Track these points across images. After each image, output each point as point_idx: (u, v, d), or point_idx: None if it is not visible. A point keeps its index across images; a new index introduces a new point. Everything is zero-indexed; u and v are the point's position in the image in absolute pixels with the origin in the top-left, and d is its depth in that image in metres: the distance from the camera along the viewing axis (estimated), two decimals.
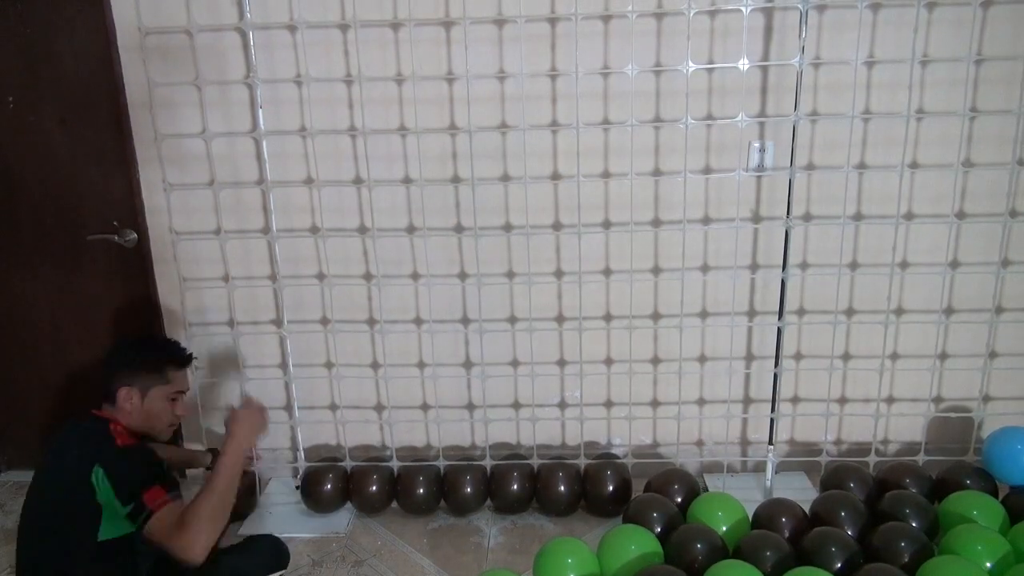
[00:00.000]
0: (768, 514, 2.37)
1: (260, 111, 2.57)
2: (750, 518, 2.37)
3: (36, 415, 3.09)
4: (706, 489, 2.79)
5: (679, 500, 2.47)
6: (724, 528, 2.30)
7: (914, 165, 2.62)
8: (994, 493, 2.46)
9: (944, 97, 2.55)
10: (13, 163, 2.81)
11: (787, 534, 2.29)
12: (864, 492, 2.50)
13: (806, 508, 2.40)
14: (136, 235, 2.82)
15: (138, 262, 2.86)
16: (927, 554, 2.12)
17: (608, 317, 2.80)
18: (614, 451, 2.89)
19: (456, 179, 2.68)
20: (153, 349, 2.10)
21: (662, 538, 2.24)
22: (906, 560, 2.11)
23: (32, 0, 2.64)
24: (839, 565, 2.10)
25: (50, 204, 2.84)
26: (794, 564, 2.10)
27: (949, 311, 2.75)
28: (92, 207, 2.83)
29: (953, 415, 2.82)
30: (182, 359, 2.10)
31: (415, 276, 2.78)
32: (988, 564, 2.07)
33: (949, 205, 2.57)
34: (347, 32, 2.56)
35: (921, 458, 2.73)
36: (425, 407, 2.94)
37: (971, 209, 2.65)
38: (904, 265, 2.71)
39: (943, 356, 2.79)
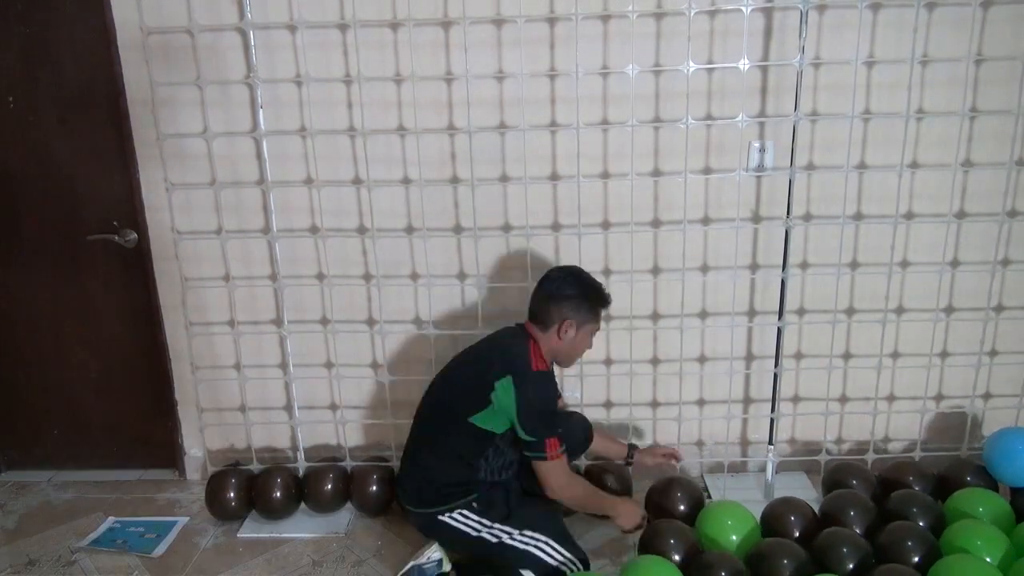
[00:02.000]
0: (777, 514, 2.38)
1: (260, 111, 2.57)
2: (758, 521, 2.36)
3: (36, 415, 3.10)
4: (707, 490, 2.79)
5: (682, 508, 2.45)
6: (734, 538, 2.27)
7: (914, 165, 2.62)
8: (995, 491, 2.46)
9: (944, 97, 2.55)
10: (13, 163, 2.81)
11: (797, 534, 2.29)
12: (868, 491, 2.50)
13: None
14: (136, 235, 2.82)
15: (138, 262, 2.86)
16: (935, 553, 2.12)
17: (607, 318, 2.80)
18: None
19: (455, 180, 2.68)
20: (596, 291, 2.27)
21: (683, 566, 2.16)
22: (915, 560, 2.11)
23: (32, 0, 2.64)
24: (851, 566, 2.10)
25: (50, 204, 2.84)
26: (811, 570, 2.10)
27: (949, 309, 2.75)
28: (92, 207, 2.83)
29: (951, 411, 2.83)
30: (608, 302, 2.32)
31: (415, 276, 2.78)
32: (988, 559, 2.08)
33: (948, 204, 2.57)
34: (347, 32, 2.56)
35: (917, 454, 2.73)
36: None
37: (970, 208, 2.66)
38: (904, 264, 2.71)
39: (943, 354, 2.80)
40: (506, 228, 2.72)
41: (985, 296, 2.65)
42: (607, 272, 2.74)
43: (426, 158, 2.65)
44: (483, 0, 2.51)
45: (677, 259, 2.65)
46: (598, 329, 2.34)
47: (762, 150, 2.62)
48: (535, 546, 2.15)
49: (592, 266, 2.72)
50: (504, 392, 2.09)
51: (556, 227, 2.71)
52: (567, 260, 2.72)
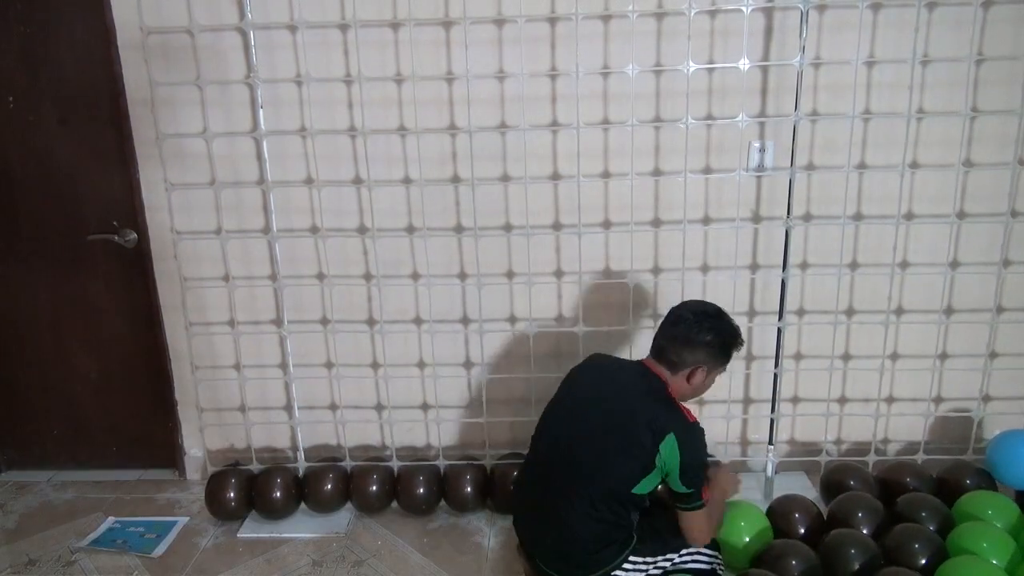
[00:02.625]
0: (782, 511, 2.40)
1: (260, 111, 2.57)
2: (769, 523, 2.37)
3: (36, 415, 3.09)
4: None
5: None
6: (747, 538, 2.28)
7: (914, 165, 2.62)
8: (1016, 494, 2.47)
9: (945, 97, 2.55)
10: (13, 163, 2.81)
11: (802, 531, 2.32)
12: (867, 492, 2.50)
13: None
14: (136, 235, 2.82)
15: (138, 262, 2.86)
16: (942, 555, 2.12)
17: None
18: None
19: (456, 179, 2.68)
20: (734, 336, 2.06)
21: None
22: (922, 562, 2.12)
23: (32, 0, 2.64)
24: (858, 567, 2.11)
25: (50, 204, 2.84)
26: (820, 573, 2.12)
27: (949, 311, 2.75)
28: (92, 207, 2.83)
29: (953, 414, 2.82)
30: (743, 346, 2.13)
31: (415, 276, 2.78)
32: (994, 562, 2.08)
33: (950, 205, 2.57)
34: (347, 32, 2.56)
35: (920, 457, 2.73)
36: (425, 407, 2.94)
37: (971, 209, 2.65)
38: (904, 265, 2.71)
39: (943, 356, 2.79)
40: (507, 228, 2.72)
41: (985, 297, 2.64)
42: (608, 272, 2.74)
43: (426, 157, 2.65)
44: None
45: (677, 259, 2.65)
46: (724, 371, 2.14)
47: (762, 150, 2.61)
48: (693, 559, 2.08)
49: (593, 265, 2.72)
50: (670, 453, 1.90)
51: (557, 226, 2.70)
52: (568, 259, 2.72)
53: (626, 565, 1.97)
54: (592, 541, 1.96)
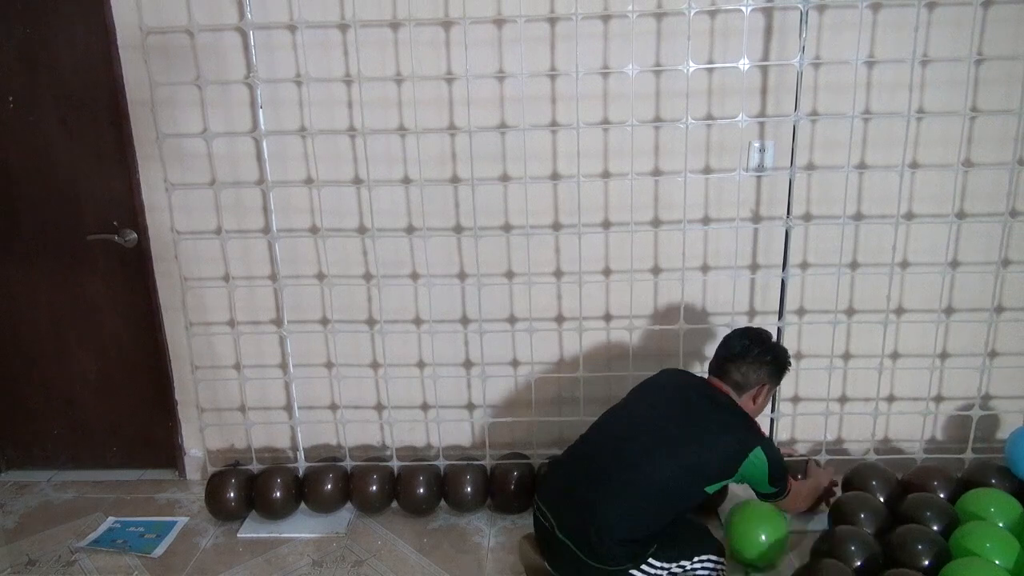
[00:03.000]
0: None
1: (260, 111, 2.57)
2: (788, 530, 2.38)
3: (36, 415, 3.09)
4: None
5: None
6: (763, 538, 2.32)
7: (914, 165, 2.62)
8: (1020, 491, 2.43)
9: (944, 97, 2.55)
10: (13, 163, 2.81)
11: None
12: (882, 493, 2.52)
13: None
14: (136, 235, 2.82)
15: (138, 262, 2.86)
16: (945, 556, 2.12)
17: (608, 317, 2.80)
18: None
19: (456, 179, 2.68)
20: (787, 356, 2.29)
21: None
22: (926, 563, 2.12)
23: (32, 0, 2.64)
24: (859, 563, 2.14)
25: (50, 204, 2.84)
26: None
27: (949, 310, 2.75)
28: (92, 207, 2.83)
29: (954, 413, 2.82)
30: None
31: (415, 276, 2.78)
32: (997, 562, 2.08)
33: (949, 205, 2.57)
34: (347, 32, 2.56)
35: (920, 456, 2.73)
36: (425, 407, 2.94)
37: (971, 209, 2.65)
38: (904, 265, 2.71)
39: (943, 355, 2.80)
40: (506, 228, 2.72)
41: (985, 297, 2.64)
42: (607, 272, 2.74)
43: (426, 158, 2.65)
44: None
45: (677, 259, 2.65)
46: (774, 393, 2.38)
47: (762, 150, 2.61)
48: (702, 565, 2.11)
49: (592, 265, 2.72)
50: (757, 464, 2.09)
51: (556, 227, 2.70)
52: (568, 260, 2.73)
53: (644, 567, 2.02)
54: (619, 537, 2.00)
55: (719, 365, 2.24)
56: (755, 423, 2.18)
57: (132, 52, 2.62)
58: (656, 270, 2.75)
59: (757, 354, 2.21)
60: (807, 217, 2.69)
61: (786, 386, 2.84)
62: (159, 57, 2.59)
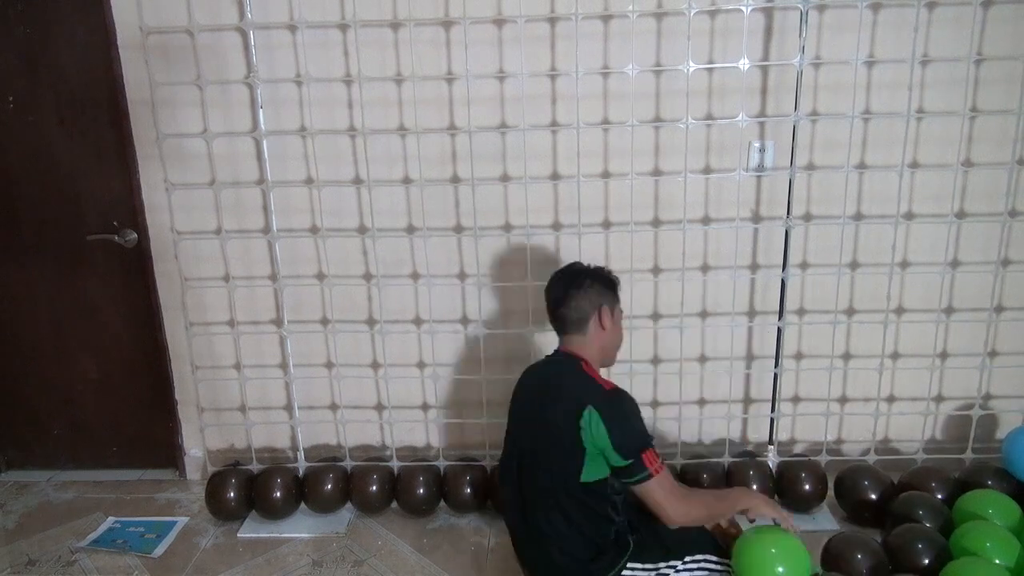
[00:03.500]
0: None
1: (260, 111, 2.57)
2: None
3: (36, 415, 3.09)
4: None
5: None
6: (781, 570, 1.86)
7: (914, 165, 2.62)
8: (1018, 492, 2.43)
9: (944, 97, 2.55)
10: (13, 163, 2.81)
11: None
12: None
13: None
14: (136, 235, 2.82)
15: (138, 262, 2.86)
16: (945, 556, 2.12)
17: None
18: None
19: (456, 179, 2.68)
20: (602, 271, 2.07)
21: None
22: (926, 562, 2.11)
23: (32, 0, 2.64)
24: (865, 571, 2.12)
25: (50, 204, 2.84)
26: None
27: (949, 310, 2.75)
28: (92, 207, 2.83)
29: (954, 413, 2.83)
30: (617, 279, 2.11)
31: (415, 276, 2.78)
32: (997, 561, 2.07)
33: (949, 204, 2.57)
34: (347, 32, 2.56)
35: (920, 456, 2.73)
36: (425, 407, 2.94)
37: (971, 208, 2.65)
38: (904, 264, 2.71)
39: (943, 355, 2.80)
40: (507, 227, 2.72)
41: (985, 296, 2.65)
42: None
43: (426, 157, 2.65)
44: None
45: (677, 259, 2.65)
46: (623, 313, 2.12)
47: (762, 150, 2.62)
48: (699, 566, 1.98)
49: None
50: (595, 426, 1.81)
51: (556, 226, 2.70)
52: (568, 259, 2.71)
53: (625, 573, 1.90)
54: (582, 551, 1.90)
55: (553, 320, 2.06)
56: (593, 383, 1.90)
57: (132, 52, 2.62)
58: (656, 270, 2.75)
59: (575, 285, 2.01)
60: (807, 217, 2.69)
61: (786, 386, 2.84)
62: (159, 57, 2.59)
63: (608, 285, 2.05)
